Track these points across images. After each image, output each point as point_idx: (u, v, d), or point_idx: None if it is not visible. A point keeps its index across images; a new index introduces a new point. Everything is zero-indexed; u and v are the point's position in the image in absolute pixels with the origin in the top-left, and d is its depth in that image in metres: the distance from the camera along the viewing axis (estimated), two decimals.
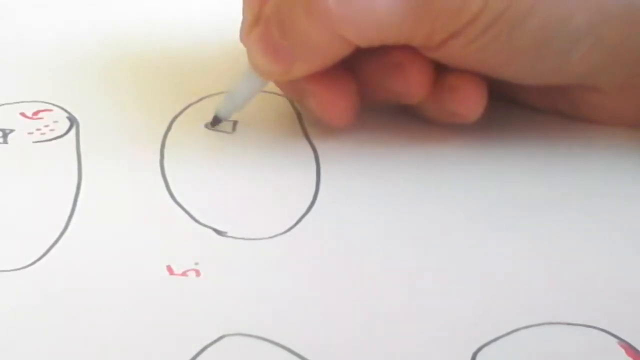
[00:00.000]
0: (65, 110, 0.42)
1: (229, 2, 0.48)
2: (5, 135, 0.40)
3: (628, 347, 0.31)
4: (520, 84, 0.40)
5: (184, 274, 0.34)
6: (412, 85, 0.39)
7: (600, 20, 0.37)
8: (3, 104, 0.42)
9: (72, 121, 0.41)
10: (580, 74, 0.39)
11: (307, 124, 0.41)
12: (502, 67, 0.38)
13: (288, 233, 0.36)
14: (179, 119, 0.42)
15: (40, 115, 0.42)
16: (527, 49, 0.37)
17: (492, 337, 0.31)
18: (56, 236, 0.35)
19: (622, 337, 0.31)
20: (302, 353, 0.31)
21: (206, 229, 0.36)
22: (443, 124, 0.40)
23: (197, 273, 0.34)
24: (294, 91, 0.40)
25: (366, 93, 0.39)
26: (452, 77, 0.39)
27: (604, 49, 0.37)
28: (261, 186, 0.38)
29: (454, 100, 0.39)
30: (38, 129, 0.41)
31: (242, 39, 0.39)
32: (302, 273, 0.34)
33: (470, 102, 0.39)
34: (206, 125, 0.41)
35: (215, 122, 0.41)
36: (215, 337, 0.31)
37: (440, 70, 0.39)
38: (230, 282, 0.34)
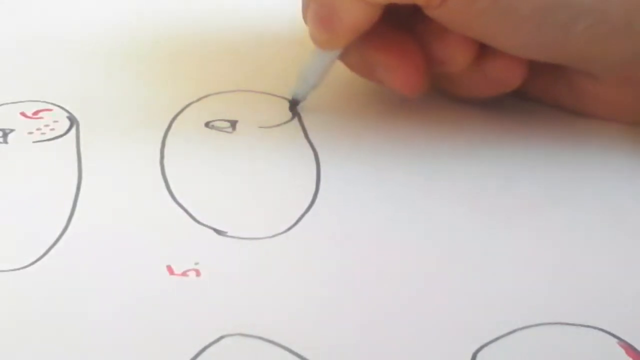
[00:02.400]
0: (65, 110, 0.42)
1: (230, 2, 0.49)
2: (5, 135, 0.40)
3: (628, 347, 0.31)
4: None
5: (184, 274, 0.34)
6: (455, 51, 0.39)
7: None
8: (3, 104, 0.42)
9: (72, 121, 0.41)
10: (580, 53, 0.39)
11: (307, 124, 0.41)
12: (503, 35, 0.38)
13: (288, 233, 0.36)
14: (179, 118, 0.41)
15: (40, 115, 0.42)
16: (528, 18, 0.37)
17: (492, 337, 0.31)
18: (56, 236, 0.35)
19: (622, 337, 0.31)
20: (302, 353, 0.31)
21: (206, 229, 0.36)
22: (444, 110, 0.41)
23: (197, 273, 0.34)
24: (364, 67, 0.41)
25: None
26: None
27: (606, 28, 0.37)
28: (261, 186, 0.38)
29: (497, 65, 0.39)
30: (38, 129, 0.41)
31: (303, 18, 0.41)
32: (302, 273, 0.34)
33: (513, 66, 0.39)
34: (290, 107, 0.41)
35: (294, 104, 0.41)
36: (215, 337, 0.31)
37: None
38: (230, 282, 0.34)
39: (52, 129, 0.41)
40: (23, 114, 0.42)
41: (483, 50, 0.39)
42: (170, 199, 0.37)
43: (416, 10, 0.38)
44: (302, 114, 0.42)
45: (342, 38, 0.39)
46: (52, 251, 0.35)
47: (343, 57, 0.41)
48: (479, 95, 0.41)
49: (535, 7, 0.37)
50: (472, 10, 0.37)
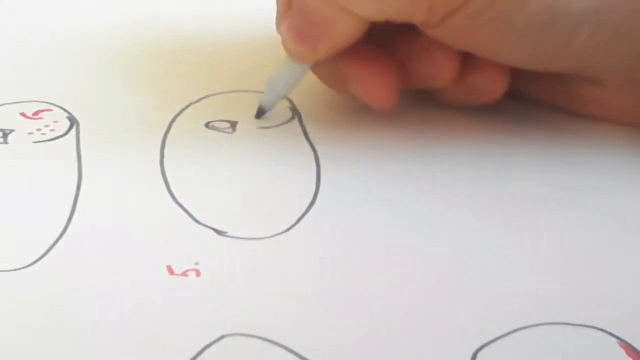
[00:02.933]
0: (65, 110, 0.42)
1: (229, 1, 0.49)
2: (5, 135, 0.40)
3: (628, 347, 0.31)
4: (522, 75, 0.40)
5: (184, 274, 0.34)
6: (440, 67, 0.39)
7: (604, 3, 0.37)
8: (3, 104, 0.42)
9: (72, 121, 0.41)
10: (582, 62, 0.39)
11: (307, 124, 0.41)
12: (504, 49, 0.38)
13: (288, 233, 0.36)
14: (179, 118, 0.42)
15: (41, 115, 0.42)
16: (529, 31, 0.37)
17: (492, 337, 0.31)
18: (56, 236, 0.35)
19: (622, 337, 0.31)
20: (302, 353, 0.31)
21: (206, 229, 0.36)
22: (444, 110, 0.41)
23: (197, 273, 0.34)
24: (336, 79, 0.40)
25: (401, 78, 0.40)
26: (478, 57, 0.39)
27: (608, 34, 0.37)
28: (261, 186, 0.38)
29: (480, 77, 0.40)
30: (38, 129, 0.41)
31: (277, 28, 0.40)
32: (302, 273, 0.34)
33: (497, 77, 0.40)
34: (256, 116, 0.41)
35: (260, 113, 0.41)
36: (215, 337, 0.31)
37: (467, 54, 0.39)
38: (230, 282, 0.34)
39: (52, 129, 0.41)
40: (23, 114, 0.42)
41: (466, 64, 0.39)
42: (170, 199, 0.37)
43: (398, 26, 0.38)
44: (302, 114, 0.42)
45: (322, 52, 0.39)
46: (52, 251, 0.35)
47: (314, 68, 0.40)
48: (463, 105, 0.41)
49: (535, 20, 0.37)
50: (472, 27, 0.37)
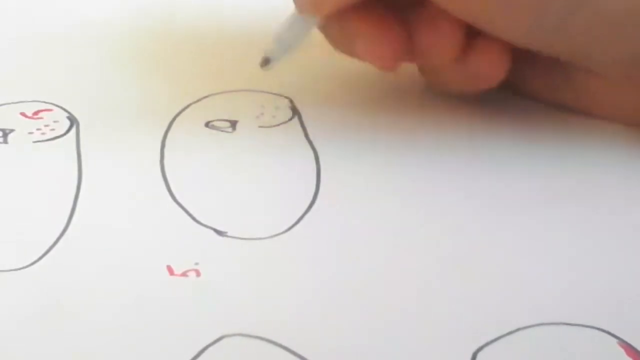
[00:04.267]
0: (66, 110, 0.42)
1: (230, 2, 0.49)
2: (5, 135, 0.40)
3: (628, 347, 0.31)
4: (522, 68, 0.40)
5: (184, 274, 0.34)
6: (443, 41, 0.39)
7: None
8: (3, 104, 0.42)
9: (72, 121, 0.41)
10: (578, 46, 0.39)
11: (307, 124, 0.41)
12: (503, 22, 0.39)
13: (288, 233, 0.36)
14: (179, 118, 0.41)
15: (41, 115, 0.42)
16: (528, 6, 0.38)
17: (492, 337, 0.31)
18: (56, 236, 0.35)
19: (622, 337, 0.31)
20: (302, 353, 0.31)
21: (206, 229, 0.36)
22: (444, 109, 0.41)
23: (197, 273, 0.34)
24: (343, 37, 0.40)
25: (406, 46, 0.40)
26: (479, 40, 0.39)
27: (604, 22, 0.38)
28: (261, 186, 0.38)
29: (479, 60, 0.40)
30: (38, 129, 0.41)
31: None
32: (302, 273, 0.34)
33: (495, 63, 0.40)
34: (261, 64, 0.41)
35: (265, 62, 0.41)
36: (215, 337, 0.31)
37: (471, 36, 0.39)
38: (230, 282, 0.34)
39: (52, 129, 0.41)
40: (23, 114, 0.42)
41: (467, 46, 0.39)
42: (170, 199, 0.37)
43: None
44: (302, 114, 0.42)
45: (330, 5, 0.39)
46: (52, 251, 0.35)
47: (323, 28, 0.40)
48: (460, 91, 0.41)
49: None
50: None
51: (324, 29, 0.41)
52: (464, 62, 0.40)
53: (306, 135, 0.40)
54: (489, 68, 0.40)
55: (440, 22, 0.39)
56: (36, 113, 0.42)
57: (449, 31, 0.39)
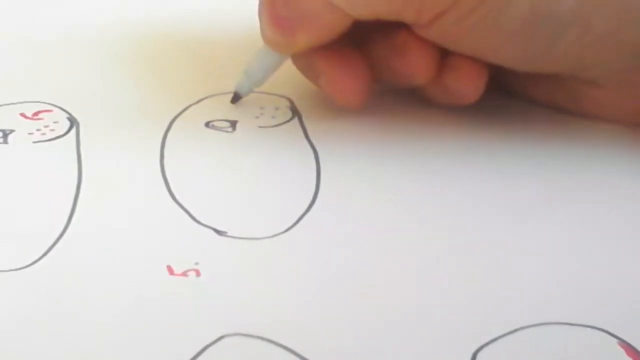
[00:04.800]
0: (65, 111, 0.42)
1: (229, 1, 0.49)
2: (5, 136, 0.40)
3: (628, 347, 0.31)
4: (520, 75, 0.40)
5: (184, 274, 0.34)
6: (415, 67, 0.39)
7: (590, 7, 0.37)
8: (3, 104, 0.42)
9: (72, 121, 0.41)
10: (571, 63, 0.39)
11: (307, 124, 0.41)
12: (493, 50, 0.39)
13: (288, 233, 0.36)
14: (179, 119, 0.42)
15: (41, 115, 0.42)
16: (515, 33, 0.37)
17: (492, 337, 0.31)
18: (56, 236, 0.35)
19: (622, 337, 0.31)
20: (302, 353, 0.31)
21: (206, 229, 0.36)
22: (444, 110, 0.41)
23: (197, 273, 0.34)
24: (310, 70, 0.41)
25: (376, 75, 0.40)
26: (455, 58, 0.39)
27: (594, 38, 0.38)
28: (261, 186, 0.38)
29: (455, 78, 0.40)
30: (38, 130, 0.41)
31: (258, 14, 0.40)
32: (302, 273, 0.34)
33: (471, 80, 0.40)
34: (232, 101, 0.42)
35: (236, 98, 0.41)
36: (215, 337, 0.31)
37: (445, 54, 0.39)
38: (230, 282, 0.34)
39: (52, 130, 0.41)
40: (23, 114, 0.42)
41: (443, 65, 0.39)
42: (170, 199, 0.37)
43: (375, 23, 0.38)
44: (302, 114, 0.42)
45: (300, 45, 0.39)
46: (52, 251, 0.35)
47: (293, 57, 0.41)
48: (444, 104, 0.41)
49: (521, 22, 0.37)
50: (461, 27, 0.37)
51: (294, 59, 0.41)
52: (440, 81, 0.40)
53: (306, 136, 0.41)
54: (465, 86, 0.40)
55: (413, 46, 0.39)
56: (36, 114, 0.42)
57: (423, 54, 0.39)
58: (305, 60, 0.40)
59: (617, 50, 0.38)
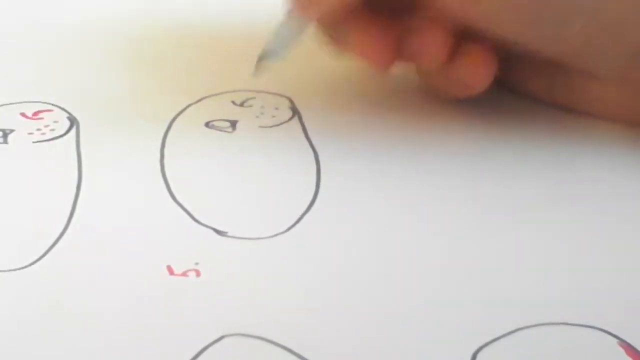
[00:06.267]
0: (65, 111, 0.42)
1: (230, 1, 0.49)
2: (5, 136, 0.40)
3: (628, 347, 0.31)
4: (521, 69, 0.41)
5: (184, 274, 0.34)
6: (428, 46, 0.40)
7: None
8: (3, 104, 0.42)
9: (72, 121, 0.41)
10: (575, 50, 0.39)
11: (307, 124, 0.41)
12: (501, 24, 0.39)
13: (288, 233, 0.36)
14: (179, 118, 0.42)
15: (41, 115, 0.42)
16: (526, 9, 0.38)
17: (492, 337, 0.31)
18: (56, 236, 0.35)
19: (622, 337, 0.31)
20: (302, 353, 0.31)
21: (206, 229, 0.36)
22: (444, 110, 0.41)
23: (197, 273, 0.34)
24: (337, 38, 0.41)
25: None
26: (467, 45, 0.40)
27: (601, 27, 0.38)
28: (261, 186, 0.38)
29: (465, 65, 0.40)
30: (38, 129, 0.41)
31: None
32: (302, 273, 0.34)
33: (480, 69, 0.40)
34: (257, 62, 0.41)
35: (261, 59, 0.41)
36: (215, 337, 0.31)
37: (458, 43, 0.40)
38: (230, 282, 0.34)
39: (52, 130, 0.41)
40: (23, 114, 0.42)
41: (455, 52, 0.40)
42: (170, 199, 0.37)
43: (391, 9, 0.39)
44: (302, 114, 0.42)
45: (322, 8, 0.40)
46: (52, 251, 0.35)
47: (316, 27, 0.41)
48: (447, 95, 0.41)
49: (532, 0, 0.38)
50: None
51: (317, 29, 0.41)
52: (449, 67, 0.40)
53: (306, 135, 0.41)
54: (473, 76, 0.40)
55: (430, 26, 0.39)
56: (36, 113, 0.42)
57: (439, 36, 0.40)
58: (332, 27, 0.40)
59: (620, 45, 0.38)
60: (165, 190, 0.37)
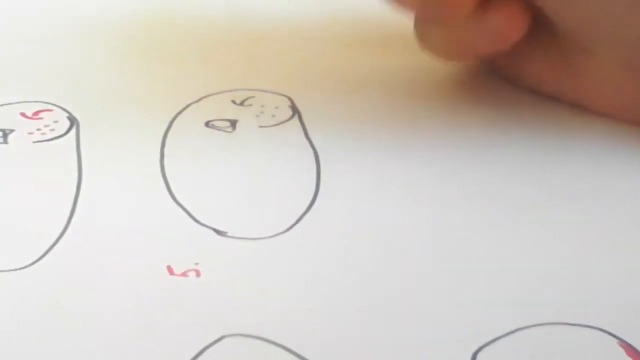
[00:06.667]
0: (66, 110, 0.42)
1: (230, 1, 0.49)
2: (5, 135, 0.40)
3: (628, 347, 0.31)
4: (526, 56, 0.41)
5: (184, 274, 0.34)
6: None
7: None
8: (3, 104, 0.42)
9: (72, 121, 0.41)
10: (592, 20, 0.39)
11: (307, 123, 0.41)
12: None
13: (288, 233, 0.36)
14: (179, 118, 0.41)
15: (41, 115, 0.42)
16: None
17: (492, 337, 0.31)
18: (56, 236, 0.35)
19: (622, 337, 0.31)
20: (302, 353, 0.31)
21: (206, 229, 0.36)
22: (445, 109, 0.41)
23: (197, 273, 0.34)
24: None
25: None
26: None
27: (621, 1, 0.38)
28: (261, 186, 0.38)
29: (498, 15, 0.39)
30: (38, 129, 0.41)
31: None
32: (302, 273, 0.34)
33: (514, 18, 0.39)
34: None
35: None
36: (215, 337, 0.31)
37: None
38: (230, 282, 0.34)
39: (52, 129, 0.41)
40: (23, 114, 0.42)
41: (485, 3, 0.39)
42: (170, 199, 0.37)
43: None
44: (302, 113, 0.42)
45: None
46: (52, 251, 0.35)
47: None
48: (476, 53, 0.41)
49: None
50: None
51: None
52: (480, 18, 0.39)
53: (306, 135, 0.40)
54: (508, 24, 0.39)
55: None
56: (36, 113, 0.42)
57: None
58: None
59: (633, 21, 0.38)
60: (165, 190, 0.37)
